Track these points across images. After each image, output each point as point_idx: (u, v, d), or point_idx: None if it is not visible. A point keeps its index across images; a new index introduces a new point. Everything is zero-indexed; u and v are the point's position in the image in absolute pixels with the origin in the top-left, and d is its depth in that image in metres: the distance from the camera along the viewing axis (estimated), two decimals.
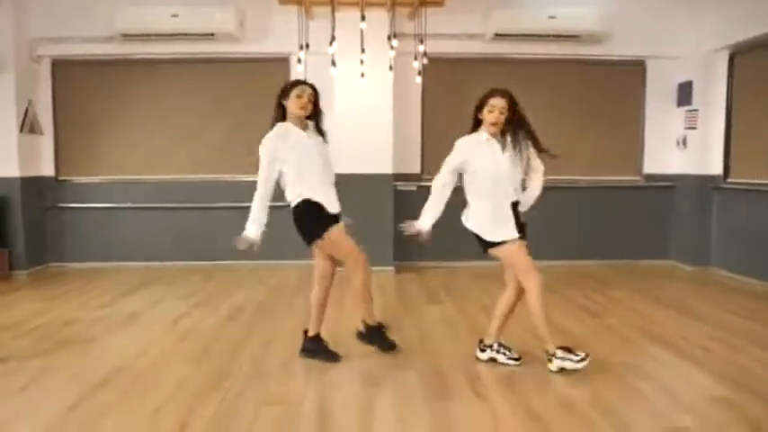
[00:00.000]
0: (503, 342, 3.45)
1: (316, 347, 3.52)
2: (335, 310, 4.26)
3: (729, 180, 6.37)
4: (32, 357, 3.58)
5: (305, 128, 3.39)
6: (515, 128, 3.22)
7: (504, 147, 3.24)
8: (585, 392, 3.01)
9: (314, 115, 3.42)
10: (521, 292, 3.29)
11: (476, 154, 3.24)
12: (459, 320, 4.44)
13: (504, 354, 3.39)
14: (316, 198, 3.33)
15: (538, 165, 3.34)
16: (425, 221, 3.33)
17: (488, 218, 3.24)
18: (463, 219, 3.34)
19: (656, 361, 3.58)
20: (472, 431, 2.63)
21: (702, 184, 6.50)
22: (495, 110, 3.18)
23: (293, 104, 3.32)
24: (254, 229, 3.26)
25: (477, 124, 3.30)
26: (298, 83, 3.41)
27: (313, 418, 2.77)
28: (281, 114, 3.39)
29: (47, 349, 3.74)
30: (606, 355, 3.58)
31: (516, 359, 3.37)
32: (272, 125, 3.38)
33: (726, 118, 6.35)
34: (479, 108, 3.25)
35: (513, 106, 3.20)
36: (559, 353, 3.24)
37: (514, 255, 3.22)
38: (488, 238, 3.24)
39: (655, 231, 6.93)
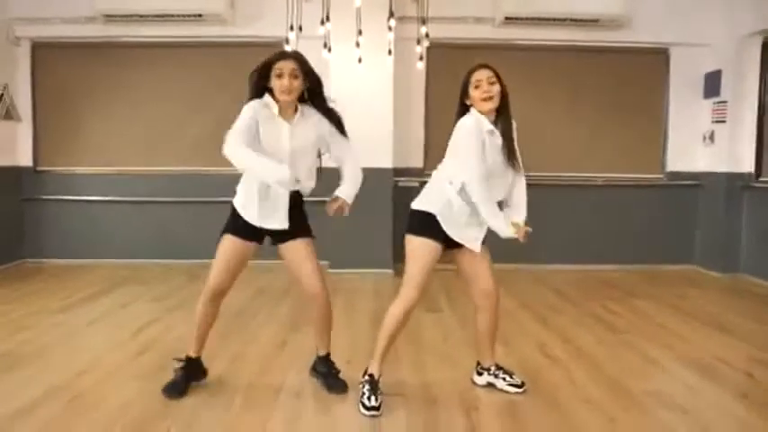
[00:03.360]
0: (501, 365, 2.94)
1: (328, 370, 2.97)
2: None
3: (762, 179, 5.82)
4: None
5: (293, 115, 2.72)
6: (505, 111, 2.70)
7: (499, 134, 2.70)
8: (601, 428, 2.52)
9: (310, 93, 2.76)
10: (478, 305, 2.88)
11: (486, 145, 2.65)
12: (458, 331, 3.94)
13: (504, 379, 2.88)
14: (240, 203, 2.78)
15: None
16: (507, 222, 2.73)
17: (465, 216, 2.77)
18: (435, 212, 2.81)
19: (689, 389, 3.01)
20: None
21: (731, 182, 5.94)
22: (483, 82, 2.63)
23: (276, 89, 2.66)
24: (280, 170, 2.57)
25: (463, 112, 2.74)
26: (273, 59, 2.69)
27: None
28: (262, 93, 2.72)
29: None
30: (627, 379, 3.08)
31: (518, 386, 2.86)
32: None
33: (758, 111, 5.82)
34: (464, 90, 2.70)
35: (500, 82, 2.66)
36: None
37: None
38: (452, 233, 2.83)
39: (678, 234, 6.39)
